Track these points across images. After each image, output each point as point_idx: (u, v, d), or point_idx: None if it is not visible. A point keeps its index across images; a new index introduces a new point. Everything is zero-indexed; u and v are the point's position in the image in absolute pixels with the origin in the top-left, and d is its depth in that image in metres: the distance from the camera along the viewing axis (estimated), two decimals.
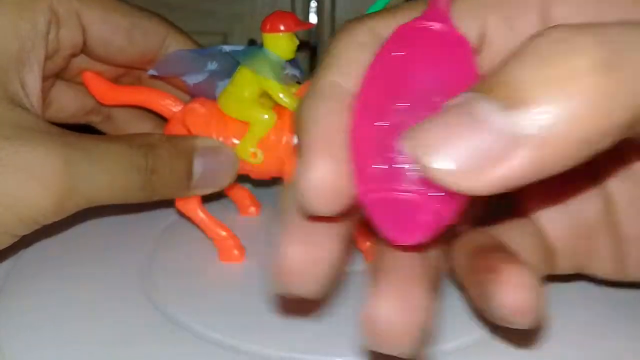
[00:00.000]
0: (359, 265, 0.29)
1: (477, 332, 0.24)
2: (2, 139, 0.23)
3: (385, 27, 0.18)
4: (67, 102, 0.31)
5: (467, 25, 0.18)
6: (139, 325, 0.24)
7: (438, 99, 0.16)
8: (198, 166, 0.27)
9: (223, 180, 0.28)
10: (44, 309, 0.25)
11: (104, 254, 0.29)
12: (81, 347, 0.23)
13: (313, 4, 0.52)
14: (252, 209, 0.33)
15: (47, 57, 0.26)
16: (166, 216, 0.33)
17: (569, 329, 0.25)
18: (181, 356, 0.23)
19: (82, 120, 0.32)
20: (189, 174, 0.27)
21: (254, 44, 0.28)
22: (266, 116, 0.27)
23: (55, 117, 0.31)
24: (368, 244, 0.29)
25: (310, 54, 0.54)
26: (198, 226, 0.29)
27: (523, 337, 0.23)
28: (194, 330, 0.24)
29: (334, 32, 0.52)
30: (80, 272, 0.28)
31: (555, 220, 0.22)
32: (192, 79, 0.29)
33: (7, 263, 0.28)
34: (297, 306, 0.25)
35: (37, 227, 0.24)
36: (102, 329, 0.24)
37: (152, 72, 0.29)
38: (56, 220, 0.24)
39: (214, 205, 0.32)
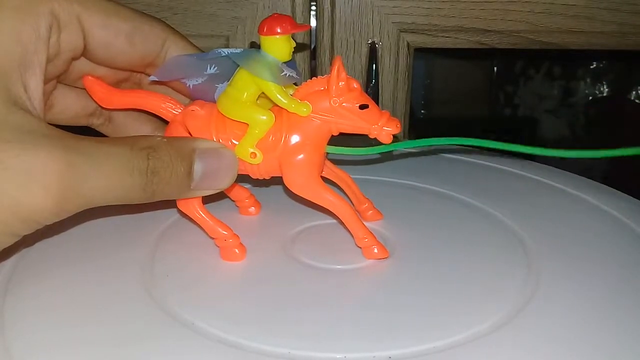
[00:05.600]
0: (357, 263, 0.29)
1: (472, 330, 0.24)
2: (4, 142, 0.23)
3: None
4: (69, 105, 0.31)
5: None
6: (141, 324, 0.25)
7: None
8: (198, 167, 0.27)
9: (223, 181, 0.29)
10: (49, 308, 0.26)
11: (106, 253, 0.30)
12: (86, 345, 0.23)
13: (313, 8, 0.53)
14: (252, 209, 0.34)
15: (48, 61, 0.27)
16: (168, 216, 0.33)
17: (565, 328, 0.25)
18: (184, 354, 0.23)
19: (83, 122, 0.32)
20: (190, 175, 0.27)
21: (256, 47, 0.28)
22: (264, 117, 0.28)
23: (57, 119, 0.31)
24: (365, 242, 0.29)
25: (310, 55, 0.54)
26: (199, 226, 0.30)
27: None
28: (197, 328, 0.24)
29: (333, 35, 0.52)
30: (83, 271, 0.28)
31: None
32: (192, 82, 0.30)
33: (10, 262, 0.29)
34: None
35: (38, 227, 0.24)
36: (105, 327, 0.24)
37: (152, 78, 0.29)
38: (58, 220, 0.25)
39: (215, 205, 0.33)
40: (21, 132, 0.24)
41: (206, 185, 0.28)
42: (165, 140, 0.27)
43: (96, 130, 0.33)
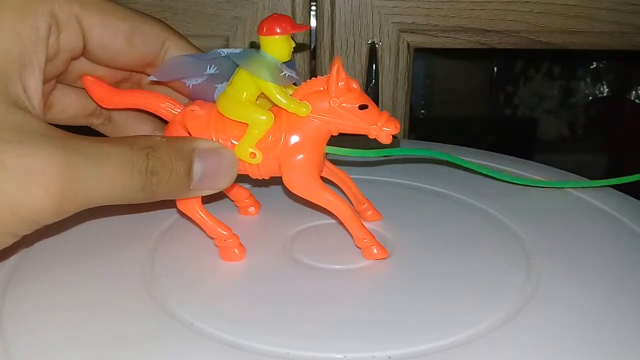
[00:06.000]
0: (356, 263, 0.29)
1: (472, 330, 0.24)
2: (4, 142, 0.23)
3: None
4: (68, 105, 0.31)
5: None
6: (141, 324, 0.25)
7: None
8: (198, 168, 0.27)
9: (223, 181, 0.29)
10: (49, 308, 0.26)
11: (106, 253, 0.30)
12: (86, 345, 0.23)
13: (313, 8, 0.53)
14: (252, 209, 0.34)
15: (48, 61, 0.27)
16: (167, 216, 0.33)
17: (565, 328, 0.25)
18: (183, 354, 0.23)
19: (83, 122, 0.32)
20: (189, 175, 0.27)
21: (256, 47, 0.28)
22: (264, 117, 0.28)
23: (56, 119, 0.31)
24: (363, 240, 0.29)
25: (310, 56, 0.54)
26: (199, 226, 0.30)
27: None
28: (196, 329, 0.24)
29: (333, 35, 0.52)
30: (83, 271, 0.28)
31: None
32: (191, 82, 0.30)
33: (10, 262, 0.29)
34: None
35: (38, 227, 0.24)
36: (105, 327, 0.24)
37: (152, 78, 0.29)
38: (57, 220, 0.25)
39: (214, 205, 0.33)
40: (21, 132, 0.24)
41: (206, 185, 0.28)
42: (164, 140, 0.27)
43: (96, 130, 0.33)
